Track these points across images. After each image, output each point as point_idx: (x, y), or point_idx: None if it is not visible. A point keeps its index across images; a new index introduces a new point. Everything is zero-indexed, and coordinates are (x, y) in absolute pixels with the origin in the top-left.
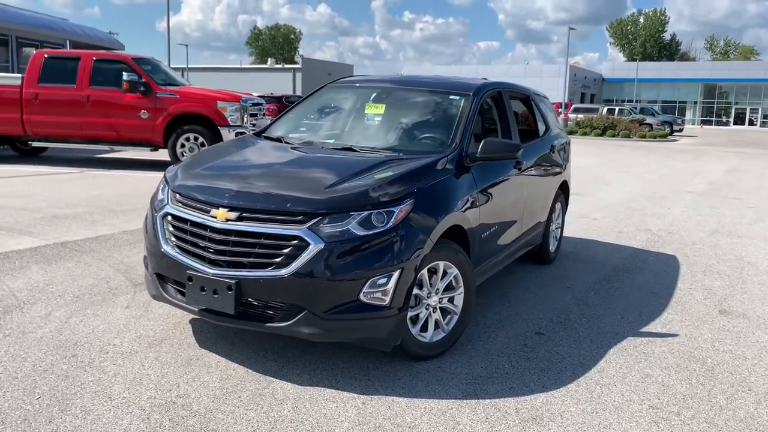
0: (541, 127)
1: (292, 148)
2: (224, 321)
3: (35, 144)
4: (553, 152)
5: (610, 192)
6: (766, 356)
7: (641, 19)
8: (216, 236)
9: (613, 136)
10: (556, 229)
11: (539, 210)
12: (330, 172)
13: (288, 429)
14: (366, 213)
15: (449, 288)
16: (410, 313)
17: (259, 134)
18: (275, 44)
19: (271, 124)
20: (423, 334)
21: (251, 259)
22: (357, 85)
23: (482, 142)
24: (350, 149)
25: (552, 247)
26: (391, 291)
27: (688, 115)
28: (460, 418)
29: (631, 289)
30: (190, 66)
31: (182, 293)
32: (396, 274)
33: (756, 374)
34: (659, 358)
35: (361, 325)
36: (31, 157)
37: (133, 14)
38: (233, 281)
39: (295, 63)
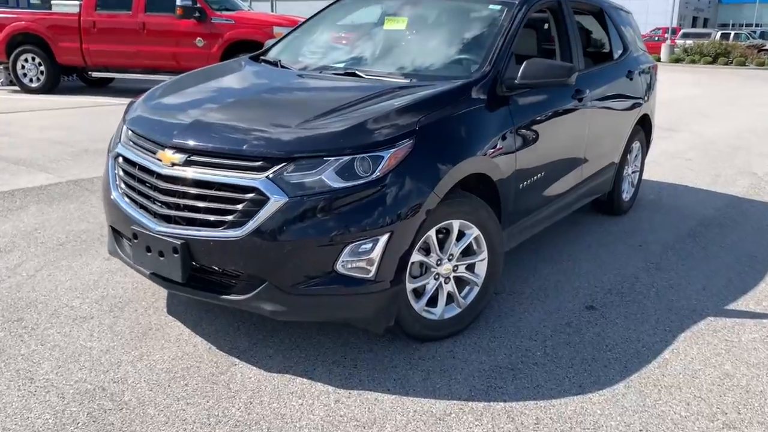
0: (617, 49)
1: (285, 74)
2: (175, 289)
3: (96, 75)
4: (631, 79)
5: (711, 126)
6: None
7: None
8: (162, 184)
9: (726, 64)
10: (633, 173)
11: (608, 150)
12: (312, 104)
13: None
14: (346, 159)
15: (468, 253)
16: (412, 285)
17: (257, 56)
18: None
19: (275, 44)
20: (431, 309)
21: (201, 215)
22: None
23: (523, 63)
24: (353, 74)
25: (626, 195)
26: (377, 260)
27: None
28: (458, 429)
29: (722, 249)
30: None
31: None
32: (383, 239)
33: None
34: (747, 349)
35: (339, 303)
36: (98, 87)
37: None
38: (179, 242)
39: None
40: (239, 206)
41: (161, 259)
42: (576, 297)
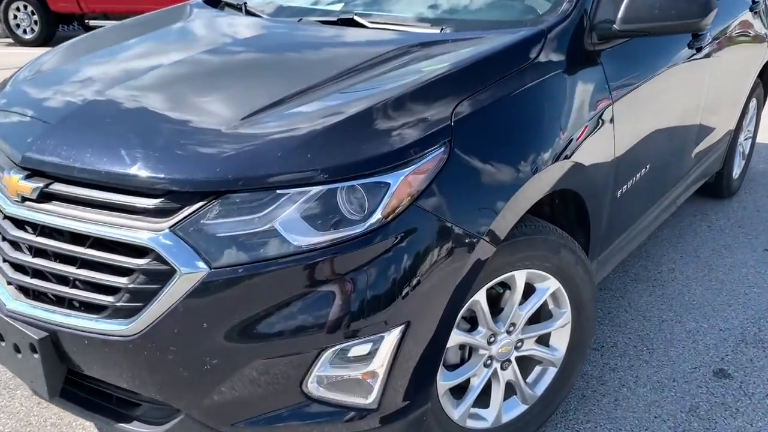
0: None
1: (245, 27)
2: (48, 401)
3: (93, 23)
4: (756, 12)
5: None
6: None
7: None
8: (10, 231)
9: None
10: (745, 140)
11: (725, 117)
12: (269, 82)
13: None
14: (318, 190)
15: (540, 317)
16: (449, 383)
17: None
18: None
19: None
20: (481, 413)
21: (71, 291)
22: None
23: None
24: (351, 22)
25: (736, 171)
26: (382, 372)
27: None
28: None
29: None
30: None
31: None
32: (393, 336)
33: None
34: None
35: None
36: None
37: None
38: (39, 335)
39: None
40: (126, 281)
41: (18, 356)
42: (695, 351)
